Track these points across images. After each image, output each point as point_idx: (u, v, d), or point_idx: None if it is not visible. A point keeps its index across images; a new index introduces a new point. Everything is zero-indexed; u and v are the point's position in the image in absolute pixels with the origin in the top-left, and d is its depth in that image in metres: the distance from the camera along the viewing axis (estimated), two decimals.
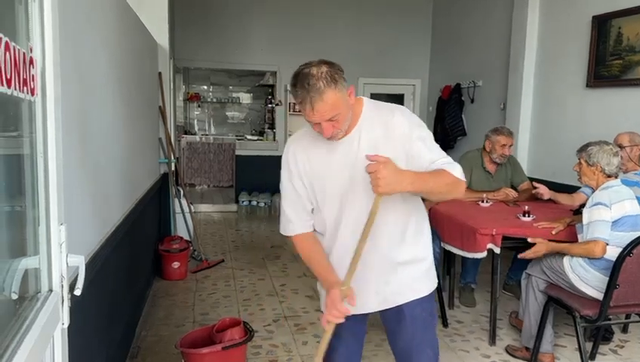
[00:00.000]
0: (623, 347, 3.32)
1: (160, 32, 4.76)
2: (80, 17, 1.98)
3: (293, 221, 1.83)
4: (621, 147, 3.51)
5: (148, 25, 4.34)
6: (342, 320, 1.63)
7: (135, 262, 3.46)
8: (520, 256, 2.98)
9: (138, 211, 3.36)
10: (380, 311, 1.90)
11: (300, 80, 1.58)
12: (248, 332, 2.70)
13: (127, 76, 3.11)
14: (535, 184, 3.83)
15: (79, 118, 1.94)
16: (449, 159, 1.70)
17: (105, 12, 2.52)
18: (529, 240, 2.95)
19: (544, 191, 3.75)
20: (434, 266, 1.95)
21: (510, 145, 4.04)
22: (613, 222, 2.69)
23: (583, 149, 2.95)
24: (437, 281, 1.95)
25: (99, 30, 2.35)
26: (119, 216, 2.79)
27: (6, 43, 0.93)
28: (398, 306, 1.85)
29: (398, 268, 1.82)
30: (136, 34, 3.55)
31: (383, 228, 1.73)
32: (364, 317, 1.94)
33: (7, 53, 0.92)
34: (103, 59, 2.45)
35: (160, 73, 4.78)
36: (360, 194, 1.71)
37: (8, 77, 0.92)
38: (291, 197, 1.83)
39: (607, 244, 2.65)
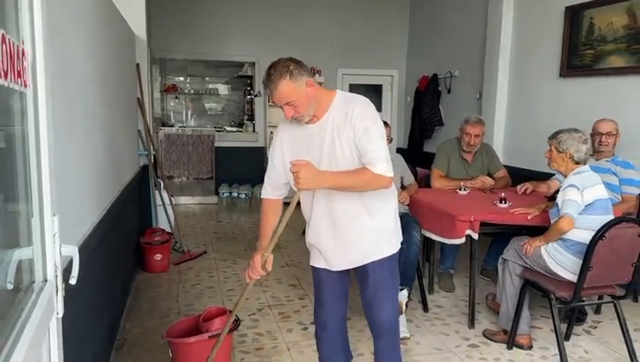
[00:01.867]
0: (596, 327, 3.45)
1: (137, 23, 4.71)
2: (63, 9, 1.97)
3: (266, 187, 2.26)
4: (609, 134, 3.62)
5: (125, 15, 4.29)
6: (258, 278, 2.14)
7: (118, 255, 3.45)
8: (526, 251, 3.02)
9: (120, 203, 3.35)
10: (353, 269, 2.28)
11: (267, 71, 1.99)
12: (234, 321, 2.73)
13: (106, 68, 3.09)
14: (519, 187, 3.90)
15: (64, 110, 1.94)
16: (381, 154, 2.00)
17: (85, 3, 2.51)
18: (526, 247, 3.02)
19: (529, 186, 3.86)
20: (395, 234, 2.29)
21: (477, 135, 4.06)
22: (586, 206, 2.79)
23: (553, 136, 3.04)
24: (398, 247, 2.29)
25: (79, 21, 2.34)
26: (103, 208, 2.79)
27: (2, 35, 0.94)
28: (364, 265, 2.22)
29: (363, 235, 2.18)
30: (114, 25, 3.52)
31: (348, 202, 2.11)
32: (344, 275, 2.32)
33: (4, 46, 0.94)
34: (84, 52, 2.43)
35: (138, 64, 4.74)
36: (328, 168, 2.03)
37: (5, 69, 0.94)
38: (269, 168, 2.24)
39: (574, 221, 2.75)
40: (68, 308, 1.89)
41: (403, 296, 3.20)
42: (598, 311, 3.67)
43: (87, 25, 2.52)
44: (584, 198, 2.79)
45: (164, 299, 3.78)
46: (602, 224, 2.70)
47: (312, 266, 2.37)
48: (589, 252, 2.62)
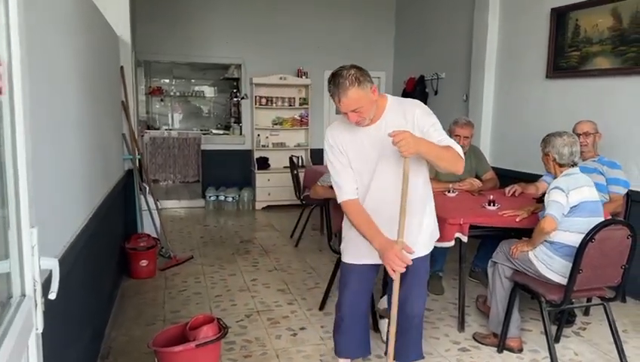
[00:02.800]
0: (585, 329, 3.46)
1: (121, 25, 4.63)
2: (41, 11, 1.91)
3: (343, 187, 2.30)
4: (587, 134, 3.64)
5: (109, 17, 4.22)
6: (403, 269, 2.11)
7: (102, 262, 3.38)
8: (512, 253, 3.02)
9: (104, 209, 3.28)
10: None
11: (333, 78, 2.10)
12: (222, 329, 2.68)
13: (88, 71, 3.02)
14: (507, 189, 3.91)
15: (43, 116, 1.88)
16: (452, 141, 2.19)
17: (66, 4, 2.44)
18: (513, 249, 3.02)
19: (517, 188, 3.86)
20: (435, 231, 2.50)
21: (465, 137, 4.09)
22: (572, 208, 2.79)
23: (542, 140, 3.06)
24: (432, 246, 2.48)
25: (60, 24, 2.27)
26: (85, 216, 2.72)
27: None
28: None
29: (415, 231, 2.30)
30: (97, 27, 3.45)
31: (413, 190, 2.16)
32: (374, 270, 2.46)
33: None
34: (64, 55, 2.37)
35: (122, 67, 4.66)
36: (384, 168, 2.22)
37: None
38: (338, 167, 2.32)
39: (557, 222, 2.75)
40: (48, 321, 1.83)
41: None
42: (587, 312, 3.68)
43: (68, 27, 2.46)
44: (569, 200, 2.79)
45: (150, 306, 3.71)
46: (590, 226, 2.70)
47: (347, 263, 2.46)
48: (578, 254, 2.61)
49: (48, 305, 1.77)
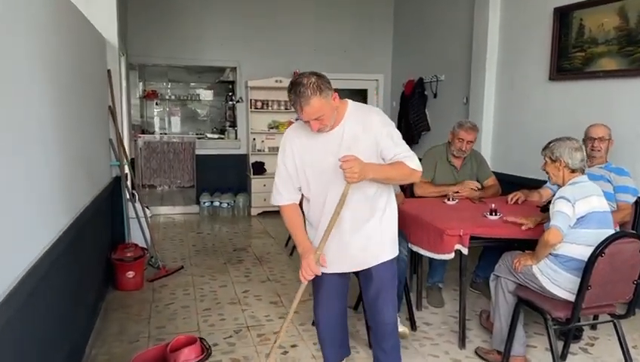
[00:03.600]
0: (593, 345, 3.27)
1: (108, 28, 4.47)
2: (8, 18, 1.74)
3: (282, 193, 2.33)
4: (602, 140, 3.46)
5: (95, 20, 4.06)
6: (312, 277, 2.17)
7: (84, 274, 3.21)
8: (515, 268, 2.84)
9: (84, 219, 3.10)
10: (354, 271, 2.46)
11: (293, 87, 2.06)
12: (205, 350, 2.50)
13: (68, 75, 2.85)
14: (510, 196, 3.74)
15: (5, 128, 1.70)
16: (410, 153, 2.17)
17: (38, 8, 2.28)
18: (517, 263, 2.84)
19: (520, 196, 3.69)
20: (396, 238, 2.44)
21: (469, 141, 3.94)
22: (579, 219, 2.62)
23: (545, 147, 2.88)
24: (397, 251, 2.45)
25: (28, 27, 2.10)
26: (61, 226, 2.55)
27: None
28: (367, 268, 2.37)
29: (370, 239, 2.31)
30: (78, 30, 3.28)
31: (358, 206, 2.23)
32: (344, 276, 2.48)
33: None
34: (37, 59, 2.20)
35: (109, 71, 4.49)
36: (341, 175, 2.09)
37: None
38: (283, 174, 2.32)
39: (562, 234, 2.59)
40: (11, 342, 1.68)
41: None
42: (594, 326, 3.49)
43: (39, 30, 2.29)
44: (576, 211, 2.61)
45: (134, 321, 3.53)
46: (598, 238, 2.53)
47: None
48: (587, 270, 2.43)
49: (12, 324, 1.68)
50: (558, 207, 2.64)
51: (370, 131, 2.16)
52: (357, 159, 2.00)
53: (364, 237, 2.30)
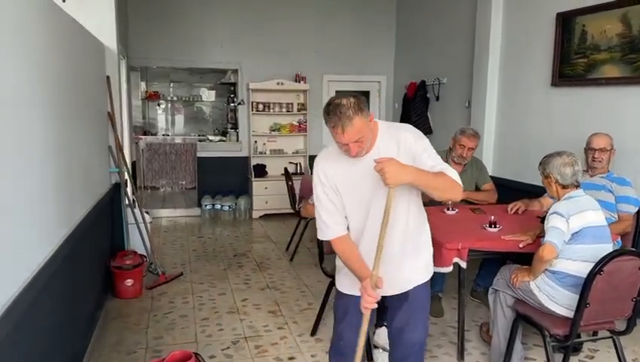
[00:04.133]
0: (592, 358, 3.25)
1: (107, 34, 4.45)
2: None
3: (331, 226, 2.18)
4: (603, 150, 3.43)
5: (93, 26, 4.05)
6: (375, 305, 2.03)
7: (83, 284, 3.21)
8: (513, 283, 2.83)
9: (83, 228, 3.10)
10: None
11: (333, 109, 1.96)
12: None
13: (65, 86, 2.84)
14: (510, 206, 3.71)
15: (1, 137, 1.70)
16: (447, 165, 2.06)
17: (30, 22, 2.26)
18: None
19: (520, 206, 3.66)
20: (432, 259, 2.36)
21: (470, 148, 3.93)
22: (573, 234, 2.60)
23: (540, 163, 2.86)
24: (432, 272, 2.35)
25: (26, 42, 2.09)
26: (59, 237, 2.56)
27: None
28: (405, 291, 2.25)
29: (407, 261, 2.21)
30: (74, 39, 3.27)
31: (397, 225, 2.11)
32: None
33: None
34: (30, 69, 2.19)
35: (108, 77, 4.48)
36: (381, 197, 2.02)
37: None
38: (327, 205, 2.17)
39: (557, 249, 2.59)
40: (10, 356, 1.74)
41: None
42: (594, 333, 3.46)
43: (35, 40, 2.27)
44: (570, 226, 2.59)
45: (132, 331, 3.52)
46: (595, 253, 2.52)
47: (342, 292, 2.34)
48: (585, 287, 2.40)
49: (9, 336, 1.71)
50: (552, 223, 2.63)
51: (405, 148, 2.07)
52: (392, 159, 1.88)
53: (406, 257, 2.21)
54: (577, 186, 2.73)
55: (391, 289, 2.22)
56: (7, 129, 1.86)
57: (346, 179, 2.14)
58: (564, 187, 2.71)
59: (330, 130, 1.99)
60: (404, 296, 2.26)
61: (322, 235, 2.22)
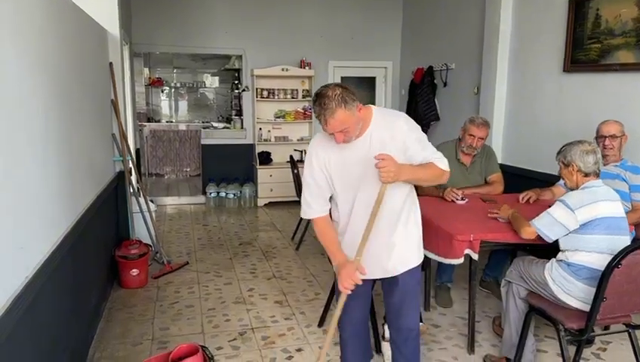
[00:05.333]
0: (605, 350, 3.19)
1: (109, 19, 4.37)
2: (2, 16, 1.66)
3: (313, 207, 2.28)
4: (613, 137, 3.35)
5: (95, 12, 3.97)
6: (353, 288, 2.12)
7: (87, 275, 3.17)
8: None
9: (88, 218, 3.06)
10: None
11: (318, 99, 2.03)
12: (208, 360, 2.46)
13: (66, 74, 2.77)
14: (522, 195, 3.64)
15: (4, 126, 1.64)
16: (438, 155, 2.20)
17: (35, 7, 2.18)
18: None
19: (532, 195, 3.59)
20: (421, 243, 2.40)
21: (480, 138, 3.83)
22: (582, 225, 2.55)
23: (559, 152, 2.79)
24: (422, 257, 2.41)
25: (29, 29, 2.01)
26: (64, 228, 2.51)
27: None
28: (394, 276, 2.32)
29: (395, 246, 2.27)
30: (77, 25, 3.19)
31: (384, 213, 2.15)
32: (369, 281, 2.38)
33: None
34: (30, 57, 2.12)
35: (111, 63, 4.40)
36: (370, 183, 2.13)
37: None
38: (312, 187, 2.26)
39: (535, 234, 2.69)
40: (16, 347, 1.73)
41: None
42: (606, 327, 3.40)
43: (36, 27, 2.20)
44: (578, 218, 2.53)
45: (138, 322, 3.49)
46: (610, 245, 2.48)
47: None
48: (603, 281, 2.33)
49: (15, 328, 1.72)
50: (553, 211, 2.62)
51: (399, 137, 2.13)
52: (393, 159, 1.99)
53: (392, 243, 2.27)
54: (598, 175, 2.66)
55: (380, 272, 2.34)
56: (8, 117, 1.80)
57: (337, 162, 2.21)
58: (585, 175, 2.64)
59: (316, 118, 2.08)
60: (394, 281, 2.34)
61: (304, 214, 2.33)
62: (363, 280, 2.28)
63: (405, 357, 2.47)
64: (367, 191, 2.17)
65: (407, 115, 2.26)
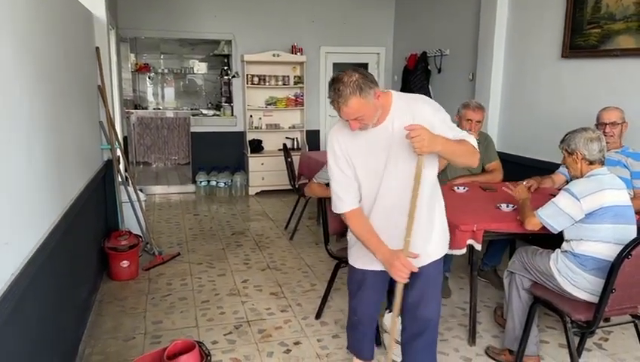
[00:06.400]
0: (607, 340, 3.15)
1: (95, 2, 4.20)
2: None
3: (344, 199, 2.17)
4: (614, 124, 3.28)
5: None
6: (408, 274, 2.06)
7: (76, 269, 3.05)
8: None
9: (76, 210, 2.93)
10: None
11: (333, 84, 1.95)
12: (205, 356, 2.36)
13: (51, 58, 2.62)
14: (523, 183, 3.57)
15: None
16: (465, 133, 2.10)
17: None
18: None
19: (533, 183, 3.52)
20: (447, 234, 2.34)
21: (478, 121, 3.76)
22: (587, 215, 2.48)
23: (562, 140, 2.72)
24: (447, 248, 2.34)
25: (6, 14, 1.87)
26: (51, 221, 2.39)
27: None
28: (418, 268, 2.16)
29: (426, 232, 2.18)
30: (61, 7, 3.03)
31: (420, 194, 2.02)
32: (386, 276, 2.25)
33: None
34: (13, 44, 1.98)
35: (97, 48, 4.23)
36: (393, 169, 2.08)
37: None
38: (339, 178, 2.17)
39: (539, 225, 2.64)
40: (2, 345, 1.65)
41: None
42: (607, 319, 3.36)
43: (15, 10, 2.06)
44: (584, 207, 2.47)
45: (129, 316, 3.38)
46: (617, 234, 2.42)
47: (355, 268, 2.36)
48: (612, 272, 2.27)
49: (3, 327, 1.65)
50: (556, 200, 2.57)
51: (423, 120, 1.98)
52: (424, 127, 1.88)
53: (423, 230, 2.16)
54: (603, 163, 2.59)
55: (416, 261, 2.19)
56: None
57: (359, 150, 2.13)
58: (590, 163, 2.57)
59: (331, 104, 2.00)
60: (417, 273, 2.19)
61: (336, 209, 2.22)
62: (381, 276, 2.28)
63: (417, 349, 2.39)
64: (391, 179, 2.10)
65: (427, 97, 2.18)
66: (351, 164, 2.15)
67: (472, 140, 2.09)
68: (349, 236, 2.37)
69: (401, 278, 2.07)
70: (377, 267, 2.25)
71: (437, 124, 2.02)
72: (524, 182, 3.55)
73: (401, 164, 2.07)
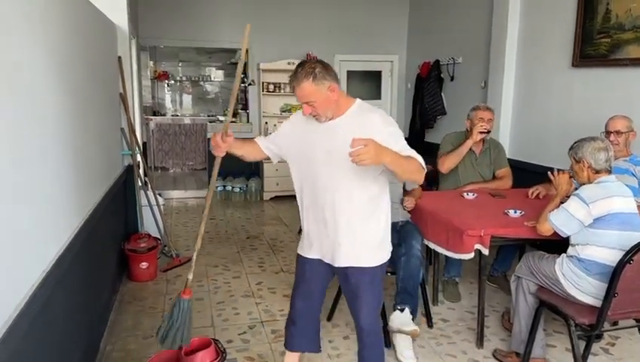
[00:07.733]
0: (614, 345, 3.20)
1: (118, 13, 4.36)
2: (10, 12, 1.66)
3: (262, 139, 2.50)
4: (618, 133, 3.35)
5: (104, 6, 3.96)
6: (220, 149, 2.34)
7: (98, 270, 3.18)
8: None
9: (98, 214, 3.06)
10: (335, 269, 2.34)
11: (296, 68, 2.12)
12: (220, 354, 2.47)
13: (77, 68, 2.77)
14: (530, 191, 3.65)
15: (9, 126, 1.64)
16: (411, 151, 2.09)
17: (41, 1, 2.19)
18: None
19: (541, 190, 3.59)
20: (381, 248, 2.31)
21: (489, 119, 3.88)
22: (595, 220, 2.54)
23: (571, 147, 2.79)
24: (384, 260, 2.31)
25: (33, 23, 2.02)
26: (75, 225, 2.52)
27: None
28: (343, 267, 2.28)
29: (349, 237, 2.22)
30: (87, 19, 3.19)
31: (349, 200, 2.18)
32: (329, 270, 2.37)
33: None
34: (39, 52, 2.12)
35: (120, 57, 4.40)
36: (323, 170, 2.19)
37: None
38: (275, 135, 2.44)
39: (551, 231, 2.69)
40: (31, 346, 1.74)
41: (405, 318, 2.94)
42: (615, 323, 3.41)
43: (45, 22, 2.20)
44: (592, 212, 2.53)
45: (148, 315, 3.51)
46: (622, 240, 2.48)
47: (298, 255, 2.47)
48: (614, 277, 2.34)
49: (34, 326, 1.75)
50: (567, 205, 2.62)
51: (369, 129, 1.98)
52: (370, 139, 1.81)
53: (347, 233, 2.22)
54: (609, 172, 2.66)
55: (327, 256, 2.31)
56: (22, 113, 1.81)
57: (306, 137, 2.25)
58: (596, 172, 2.64)
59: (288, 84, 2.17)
60: (344, 275, 2.31)
61: (256, 137, 2.55)
62: (324, 267, 2.36)
63: (361, 356, 2.42)
64: (320, 178, 2.21)
65: (384, 111, 2.23)
66: (291, 142, 2.32)
67: (420, 158, 2.06)
68: (303, 224, 2.42)
69: (215, 150, 2.35)
70: (314, 255, 2.35)
71: (384, 137, 1.97)
72: (531, 190, 3.62)
73: (330, 170, 2.16)
